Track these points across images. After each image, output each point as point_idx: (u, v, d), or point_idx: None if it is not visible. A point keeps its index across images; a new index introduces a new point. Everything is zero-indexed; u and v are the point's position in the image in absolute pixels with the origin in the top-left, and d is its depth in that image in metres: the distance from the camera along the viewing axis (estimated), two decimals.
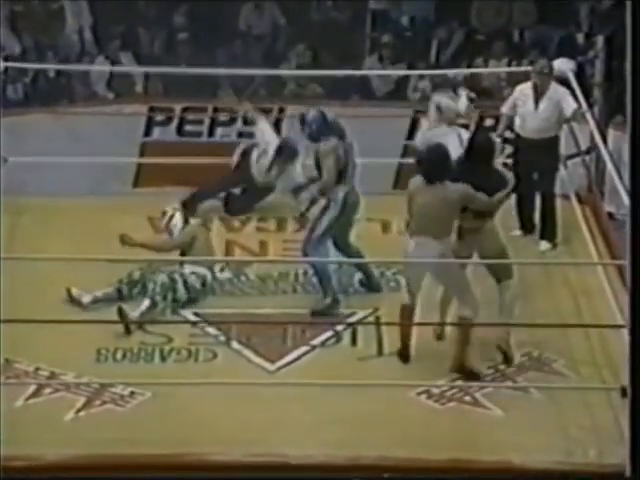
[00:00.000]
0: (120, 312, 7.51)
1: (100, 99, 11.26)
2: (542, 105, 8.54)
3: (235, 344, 7.50)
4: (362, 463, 6.45)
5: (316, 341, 7.51)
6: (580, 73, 9.26)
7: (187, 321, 7.75)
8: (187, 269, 7.94)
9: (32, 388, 6.97)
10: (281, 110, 10.69)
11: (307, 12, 12.00)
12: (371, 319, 7.72)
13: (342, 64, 10.47)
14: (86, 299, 7.87)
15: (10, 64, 9.59)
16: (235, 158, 8.95)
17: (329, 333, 7.55)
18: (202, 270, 7.97)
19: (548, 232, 8.66)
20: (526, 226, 8.72)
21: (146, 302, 7.73)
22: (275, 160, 8.82)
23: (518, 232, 8.69)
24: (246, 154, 8.96)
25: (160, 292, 7.78)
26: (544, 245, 8.64)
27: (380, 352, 7.38)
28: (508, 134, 8.82)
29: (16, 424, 6.44)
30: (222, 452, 6.48)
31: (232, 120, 10.73)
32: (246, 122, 10.67)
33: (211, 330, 7.64)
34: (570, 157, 9.46)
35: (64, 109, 10.53)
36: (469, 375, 7.00)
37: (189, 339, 7.55)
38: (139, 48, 11.68)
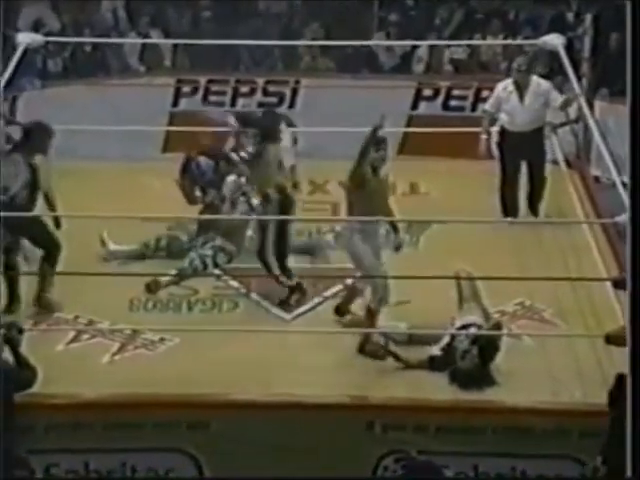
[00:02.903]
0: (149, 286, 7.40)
1: (132, 72, 11.25)
2: (528, 99, 8.32)
3: (255, 296, 7.54)
4: (370, 403, 6.51)
5: (328, 293, 7.54)
6: (569, 48, 9.20)
7: (212, 274, 7.75)
8: (216, 242, 7.88)
9: (72, 334, 7.01)
10: (297, 82, 10.70)
11: None
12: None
13: (353, 40, 10.43)
14: (112, 247, 7.83)
15: (51, 39, 9.56)
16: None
17: (340, 286, 7.58)
18: (231, 247, 7.83)
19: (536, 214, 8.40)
20: (511, 214, 8.35)
21: (173, 271, 7.65)
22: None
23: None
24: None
25: (189, 270, 7.57)
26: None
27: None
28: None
29: (57, 366, 6.48)
30: (241, 392, 6.52)
31: (252, 91, 10.74)
32: (266, 93, 10.71)
33: (233, 283, 7.67)
34: (560, 125, 9.45)
35: (100, 81, 10.54)
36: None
37: (213, 291, 7.58)
38: (168, 25, 11.67)
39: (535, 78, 8.42)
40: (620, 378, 5.82)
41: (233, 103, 10.69)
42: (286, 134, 8.82)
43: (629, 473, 5.07)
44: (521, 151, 8.39)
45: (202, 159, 8.15)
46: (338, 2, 11.83)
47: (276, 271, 7.43)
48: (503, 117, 8.43)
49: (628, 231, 5.15)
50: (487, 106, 8.60)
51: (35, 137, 7.38)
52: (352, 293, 7.16)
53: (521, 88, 8.33)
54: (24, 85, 9.60)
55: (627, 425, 5.04)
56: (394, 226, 7.04)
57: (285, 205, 7.41)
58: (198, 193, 8.20)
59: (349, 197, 6.83)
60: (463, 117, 10.45)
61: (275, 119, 7.99)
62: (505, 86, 8.44)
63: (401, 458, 6.49)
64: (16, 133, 9.32)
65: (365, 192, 6.71)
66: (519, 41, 10.53)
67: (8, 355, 6.30)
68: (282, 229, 7.43)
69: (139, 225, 7.72)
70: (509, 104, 8.37)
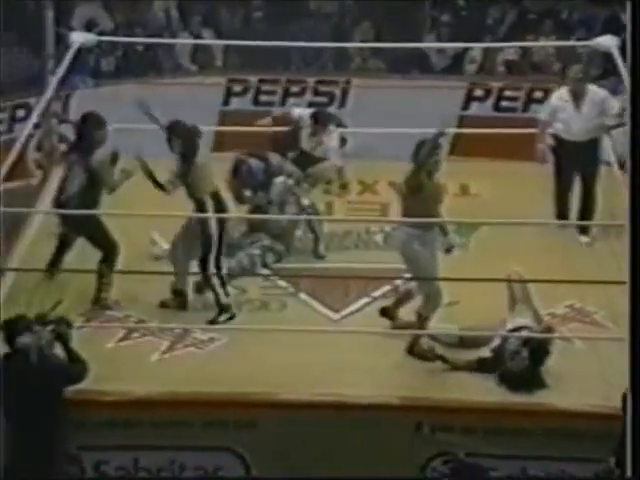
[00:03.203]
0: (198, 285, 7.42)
1: (184, 71, 11.27)
2: (585, 108, 8.17)
3: (303, 295, 7.51)
4: (419, 404, 6.46)
5: (377, 293, 7.50)
6: (623, 49, 9.06)
7: (260, 274, 7.75)
8: (265, 242, 7.84)
9: (122, 332, 7.02)
10: (347, 82, 10.66)
11: None
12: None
13: (403, 41, 10.37)
14: (165, 246, 7.80)
15: (104, 38, 9.59)
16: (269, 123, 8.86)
17: (388, 286, 7.53)
18: (279, 246, 7.83)
19: (587, 227, 8.15)
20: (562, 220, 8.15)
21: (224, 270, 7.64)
22: (313, 127, 8.71)
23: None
24: (297, 126, 8.86)
25: (238, 270, 7.64)
26: (584, 238, 8.16)
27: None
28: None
29: (108, 363, 6.50)
30: (289, 392, 6.50)
31: (303, 91, 10.71)
32: (317, 93, 10.67)
33: (281, 283, 7.65)
34: (613, 127, 9.32)
35: (151, 80, 10.56)
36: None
37: (262, 291, 7.56)
38: (219, 25, 11.67)
39: (592, 87, 8.27)
40: None
41: (283, 102, 10.67)
42: (334, 134, 8.80)
43: (629, 473, 4.96)
44: (576, 162, 8.21)
45: (252, 161, 8.15)
46: (389, 2, 11.77)
47: (215, 284, 7.20)
48: (559, 126, 8.27)
49: (628, 231, 5.03)
50: (542, 115, 8.43)
51: (88, 133, 7.38)
52: (404, 297, 7.07)
53: (578, 97, 8.18)
54: (77, 84, 9.64)
55: (627, 425, 4.93)
56: (443, 228, 6.97)
57: (219, 211, 7.20)
58: (247, 193, 8.20)
59: (404, 202, 6.75)
60: (514, 118, 10.35)
61: (199, 130, 7.63)
62: (561, 95, 8.28)
63: (449, 460, 6.44)
64: (69, 132, 9.40)
65: (421, 197, 6.64)
66: (572, 42, 10.39)
67: (59, 351, 6.33)
68: (220, 238, 7.19)
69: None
70: (565, 113, 8.21)
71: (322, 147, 8.76)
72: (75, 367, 6.26)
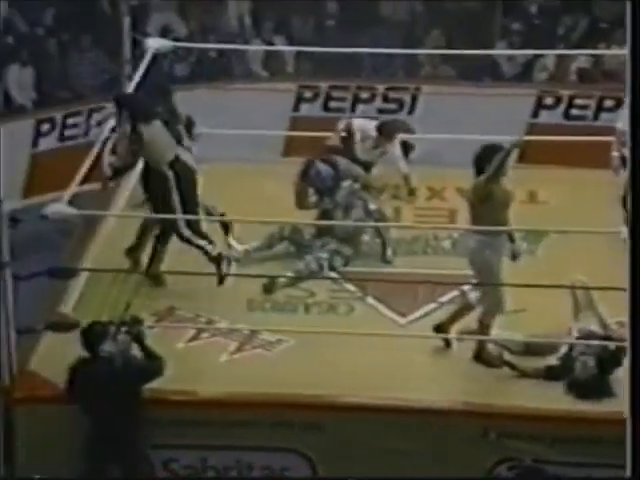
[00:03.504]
0: (266, 287, 7.49)
1: (255, 77, 11.34)
2: None
3: (370, 299, 7.50)
4: (485, 410, 6.43)
5: (444, 298, 7.47)
6: None
7: (328, 278, 7.76)
8: (332, 245, 7.87)
9: (192, 332, 7.07)
10: (417, 89, 10.64)
11: (443, 0, 11.88)
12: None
13: (474, 48, 10.33)
14: (240, 247, 7.84)
15: (178, 44, 9.69)
16: (337, 134, 8.87)
17: (456, 292, 7.50)
18: (347, 250, 7.86)
19: None
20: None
21: (290, 273, 7.65)
22: (377, 138, 8.72)
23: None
24: (350, 132, 8.87)
25: (306, 273, 7.67)
26: None
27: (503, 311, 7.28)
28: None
29: (178, 363, 6.53)
30: (355, 394, 6.50)
31: (372, 97, 10.72)
32: (386, 99, 10.66)
33: (349, 286, 7.66)
34: None
35: (223, 85, 10.63)
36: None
37: (330, 294, 7.56)
38: (291, 32, 11.73)
39: None
40: None
41: (353, 109, 10.68)
42: (397, 142, 8.80)
43: (629, 473, 4.86)
44: None
45: (322, 166, 8.17)
46: (460, 10, 11.74)
47: (199, 242, 7.30)
48: None
49: (628, 232, 4.93)
50: (619, 124, 8.29)
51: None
52: (462, 311, 6.96)
53: None
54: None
55: (627, 425, 4.83)
56: (510, 235, 6.92)
57: (180, 179, 7.23)
58: (313, 198, 8.23)
59: (473, 210, 6.70)
60: (585, 126, 10.25)
61: (148, 101, 7.60)
62: None
63: (515, 466, 6.40)
64: None
65: (490, 204, 6.59)
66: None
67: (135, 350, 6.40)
68: (185, 198, 7.25)
69: (259, 227, 7.77)
70: None
71: (387, 157, 8.78)
72: (153, 364, 6.33)
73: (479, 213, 6.65)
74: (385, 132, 8.79)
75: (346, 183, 8.08)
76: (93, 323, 6.40)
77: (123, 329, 6.32)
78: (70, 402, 6.31)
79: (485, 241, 6.62)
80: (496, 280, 6.67)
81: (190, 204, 7.32)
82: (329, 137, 8.87)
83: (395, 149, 8.83)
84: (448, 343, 6.90)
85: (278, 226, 7.93)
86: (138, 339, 6.34)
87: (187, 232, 7.31)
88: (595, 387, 6.44)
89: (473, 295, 6.88)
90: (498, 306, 6.70)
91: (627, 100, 4.79)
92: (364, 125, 8.91)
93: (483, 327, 6.75)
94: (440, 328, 6.91)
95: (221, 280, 7.27)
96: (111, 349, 6.26)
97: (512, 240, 6.94)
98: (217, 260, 7.28)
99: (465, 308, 6.91)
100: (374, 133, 8.79)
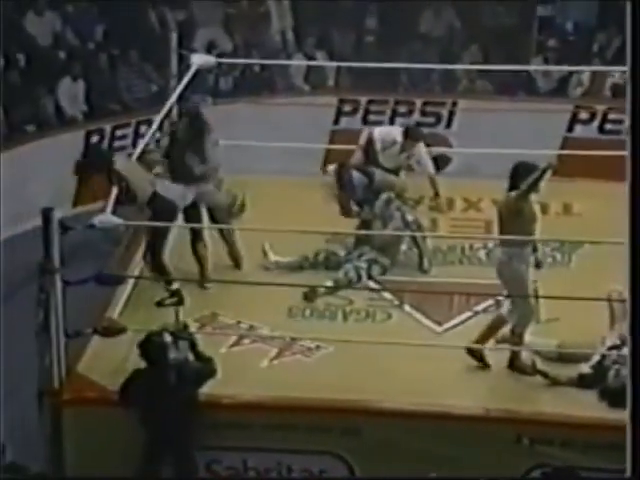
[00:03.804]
0: (307, 295, 7.53)
1: (297, 91, 11.41)
2: None
3: (407, 307, 7.53)
4: (518, 417, 6.45)
5: (479, 307, 7.48)
6: None
7: (367, 288, 7.78)
8: (370, 255, 7.88)
9: (234, 338, 7.13)
10: (454, 104, 10.67)
11: (480, 17, 11.90)
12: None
13: (510, 64, 10.35)
14: (273, 258, 7.93)
15: (221, 60, 9.77)
16: (359, 148, 8.87)
17: (490, 301, 7.52)
18: (385, 260, 7.90)
19: None
20: None
21: (329, 282, 7.69)
22: (403, 143, 8.68)
23: None
24: (371, 141, 8.83)
25: (345, 281, 7.72)
26: None
27: (537, 319, 7.28)
28: None
29: (220, 367, 6.57)
30: (392, 400, 6.54)
31: (410, 112, 10.76)
32: (424, 113, 10.70)
33: (387, 295, 7.69)
34: None
35: (265, 99, 10.71)
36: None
37: (368, 302, 7.59)
38: (332, 47, 11.79)
39: None
40: None
41: (392, 122, 10.73)
42: (422, 147, 8.72)
43: (629, 473, 4.83)
44: None
45: (355, 173, 8.20)
46: (497, 26, 11.76)
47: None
48: None
49: (628, 233, 4.89)
50: None
51: None
52: (495, 325, 6.89)
53: None
54: (197, 101, 9.84)
55: (627, 425, 4.81)
56: (534, 245, 6.90)
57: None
58: (355, 207, 8.27)
59: (502, 223, 6.67)
60: (619, 140, 10.23)
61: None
62: None
63: (547, 472, 6.40)
64: None
65: (520, 220, 6.60)
66: None
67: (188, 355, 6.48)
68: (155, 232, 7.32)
69: (299, 237, 7.81)
70: None
71: (414, 158, 8.74)
72: (208, 366, 6.41)
73: (507, 226, 6.67)
74: (412, 136, 8.73)
75: (384, 196, 8.11)
76: (150, 334, 6.43)
77: (182, 336, 6.39)
78: (126, 407, 6.36)
79: (512, 252, 6.63)
80: (526, 290, 6.69)
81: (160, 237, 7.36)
82: (352, 154, 8.80)
83: (421, 151, 8.78)
84: (485, 363, 6.83)
85: (313, 252, 7.94)
86: (192, 344, 6.42)
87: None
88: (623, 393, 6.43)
89: (505, 308, 6.88)
90: (530, 315, 6.72)
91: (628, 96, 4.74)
92: (387, 132, 8.84)
93: (515, 336, 6.76)
94: (473, 352, 6.82)
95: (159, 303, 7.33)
96: (176, 356, 6.32)
97: (535, 249, 6.91)
98: (171, 292, 7.36)
99: (497, 323, 6.88)
100: (399, 138, 8.72)
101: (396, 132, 8.82)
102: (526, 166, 6.66)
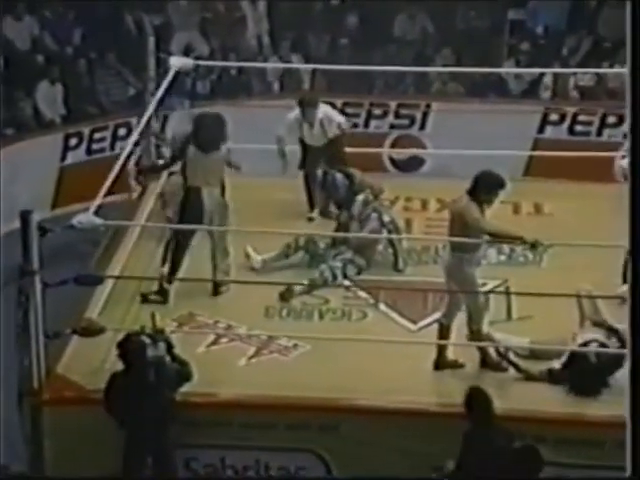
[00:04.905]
0: (283, 295, 7.52)
1: (273, 94, 11.39)
2: None
3: (382, 306, 7.54)
4: None
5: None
6: None
7: (342, 285, 7.79)
8: (347, 255, 7.88)
9: (212, 337, 7.11)
10: (428, 106, 10.68)
11: (453, 21, 11.93)
12: (501, 289, 7.64)
13: (482, 67, 10.37)
14: (259, 258, 7.89)
15: (200, 62, 9.74)
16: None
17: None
18: (360, 260, 7.88)
19: None
20: None
21: (305, 281, 7.70)
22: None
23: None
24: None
25: (320, 281, 7.72)
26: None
27: (509, 317, 7.32)
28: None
29: (199, 366, 6.56)
30: (368, 398, 6.54)
31: (385, 114, 10.76)
32: (398, 115, 10.71)
33: (362, 294, 7.69)
34: None
35: (242, 102, 10.68)
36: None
37: (343, 301, 7.60)
38: (307, 50, 11.79)
39: None
40: None
41: (366, 124, 10.73)
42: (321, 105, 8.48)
43: (629, 473, 4.85)
44: None
45: (339, 175, 8.21)
46: (469, 30, 11.78)
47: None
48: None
49: (628, 232, 4.90)
50: (622, 163, 7.86)
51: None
52: (443, 335, 6.85)
53: None
54: (175, 105, 9.81)
55: (627, 425, 4.83)
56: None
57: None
58: (334, 209, 8.27)
59: (454, 230, 6.66)
60: (589, 141, 10.28)
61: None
62: None
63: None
64: (166, 149, 9.54)
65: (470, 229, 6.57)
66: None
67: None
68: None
69: (275, 237, 7.82)
70: None
71: (325, 122, 8.51)
72: (185, 369, 6.38)
73: (458, 233, 6.61)
74: (307, 103, 8.52)
75: (361, 197, 8.11)
76: (129, 335, 6.41)
77: (159, 336, 6.36)
78: (108, 409, 6.33)
79: (465, 258, 6.60)
80: (477, 289, 6.67)
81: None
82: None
83: (325, 111, 8.54)
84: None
85: (293, 237, 7.97)
86: (169, 346, 6.39)
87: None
88: (593, 384, 6.48)
89: (442, 317, 6.86)
90: (482, 310, 6.71)
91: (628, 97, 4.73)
92: (288, 117, 8.64)
93: (475, 333, 6.74)
94: (439, 365, 6.82)
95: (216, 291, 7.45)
96: (156, 353, 6.29)
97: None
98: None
99: (442, 330, 6.85)
100: (299, 114, 8.51)
101: (293, 115, 8.62)
102: (487, 179, 6.62)
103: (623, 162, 7.88)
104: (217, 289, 7.55)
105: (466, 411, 6.13)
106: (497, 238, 6.71)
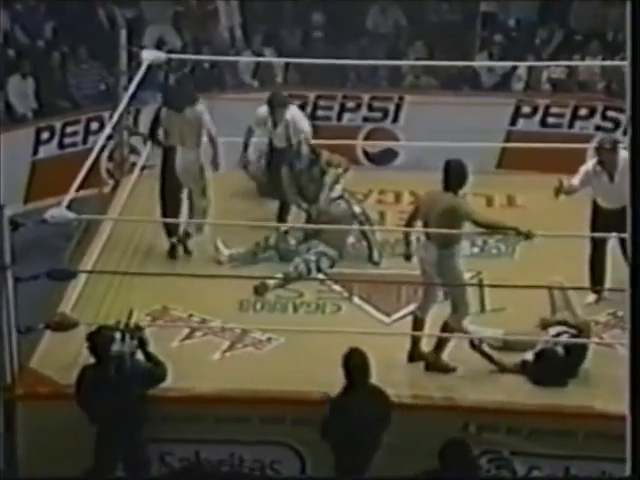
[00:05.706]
0: (257, 289, 7.51)
1: (246, 87, 11.36)
2: (617, 178, 7.36)
3: (356, 299, 7.54)
4: (464, 405, 6.48)
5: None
6: None
7: (316, 279, 7.78)
8: (319, 248, 7.87)
9: (186, 331, 7.09)
10: (400, 98, 10.68)
11: (425, 13, 11.93)
12: (475, 281, 7.64)
13: (455, 60, 10.38)
14: (227, 252, 7.90)
15: (172, 56, 9.69)
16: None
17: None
18: (333, 252, 7.88)
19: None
20: (597, 283, 7.42)
21: (279, 275, 7.69)
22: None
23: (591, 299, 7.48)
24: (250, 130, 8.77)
25: (294, 274, 7.71)
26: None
27: (482, 309, 7.32)
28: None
29: (173, 361, 6.53)
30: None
31: (358, 106, 10.75)
32: (371, 108, 10.69)
33: (336, 287, 7.69)
34: None
35: (215, 95, 10.64)
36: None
37: (317, 294, 7.60)
38: (280, 44, 11.76)
39: (622, 155, 7.32)
40: None
41: (339, 117, 10.72)
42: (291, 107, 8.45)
43: (629, 472, 4.88)
44: (609, 229, 7.29)
45: (304, 147, 8.19)
46: (442, 23, 11.79)
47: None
48: (595, 194, 7.58)
49: (628, 231, 4.94)
50: (575, 181, 7.55)
51: None
52: (417, 327, 6.83)
53: (608, 168, 7.42)
54: (147, 99, 9.76)
55: (627, 425, 4.86)
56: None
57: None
58: (305, 206, 8.26)
59: (436, 222, 6.60)
60: (560, 134, 10.31)
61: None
62: (593, 167, 7.52)
63: (494, 458, 6.43)
64: (139, 143, 9.50)
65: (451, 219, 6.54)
66: (616, 62, 10.30)
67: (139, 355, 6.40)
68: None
69: (249, 231, 7.81)
70: (600, 183, 7.48)
71: (291, 125, 8.36)
72: (158, 369, 6.33)
73: (440, 225, 6.54)
74: (276, 103, 8.44)
75: (331, 171, 8.08)
76: (100, 327, 6.37)
77: (129, 334, 6.31)
78: (79, 403, 6.28)
79: (452, 250, 6.58)
80: (463, 284, 6.66)
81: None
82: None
83: (293, 113, 8.42)
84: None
85: (264, 236, 7.94)
86: (142, 344, 6.34)
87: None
88: (560, 372, 6.52)
89: (417, 310, 6.85)
90: (467, 309, 6.71)
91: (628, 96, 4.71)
92: (257, 114, 8.58)
93: (449, 330, 6.70)
94: (413, 357, 6.81)
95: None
96: (121, 349, 6.24)
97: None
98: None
99: (418, 325, 6.83)
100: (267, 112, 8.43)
101: (263, 110, 8.56)
102: (458, 168, 6.61)
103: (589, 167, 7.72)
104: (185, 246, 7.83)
105: (344, 373, 6.11)
106: (491, 229, 6.69)
